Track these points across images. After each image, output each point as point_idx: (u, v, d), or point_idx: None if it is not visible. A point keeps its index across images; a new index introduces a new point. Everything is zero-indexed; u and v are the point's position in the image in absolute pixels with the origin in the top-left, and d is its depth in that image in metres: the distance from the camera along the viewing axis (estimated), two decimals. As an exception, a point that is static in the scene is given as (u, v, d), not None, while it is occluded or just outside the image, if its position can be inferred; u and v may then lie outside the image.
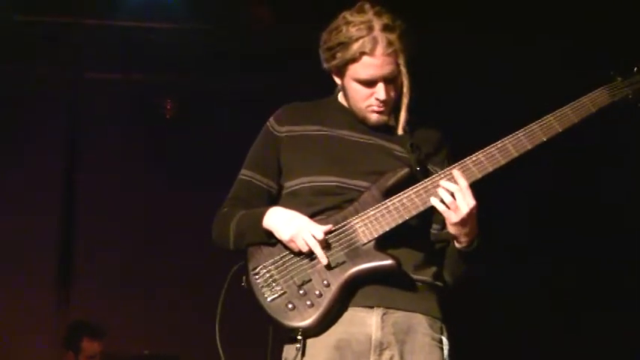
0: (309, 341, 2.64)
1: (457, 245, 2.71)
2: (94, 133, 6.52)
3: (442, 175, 2.68)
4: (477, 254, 2.73)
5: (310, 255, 2.67)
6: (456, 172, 2.65)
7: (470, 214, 2.62)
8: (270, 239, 2.73)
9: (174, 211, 6.39)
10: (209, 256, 5.69)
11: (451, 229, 2.67)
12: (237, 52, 6.00)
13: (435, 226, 2.80)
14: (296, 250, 2.68)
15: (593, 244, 6.08)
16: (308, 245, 2.64)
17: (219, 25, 5.99)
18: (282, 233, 2.69)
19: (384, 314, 2.67)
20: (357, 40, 2.69)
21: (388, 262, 2.64)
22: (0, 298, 6.29)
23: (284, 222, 2.69)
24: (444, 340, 2.77)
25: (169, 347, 6.23)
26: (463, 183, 2.63)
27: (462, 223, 2.64)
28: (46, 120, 6.47)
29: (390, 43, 2.68)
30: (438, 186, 2.66)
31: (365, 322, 2.66)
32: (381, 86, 2.73)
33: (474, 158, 2.69)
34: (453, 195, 2.62)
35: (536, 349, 6.21)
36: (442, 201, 2.63)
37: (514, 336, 6.19)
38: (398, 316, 2.69)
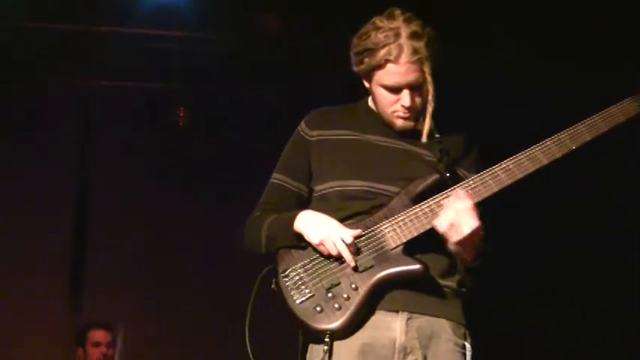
0: (336, 344, 2.67)
1: (459, 262, 2.76)
2: (106, 140, 6.52)
3: (471, 183, 2.71)
4: (478, 268, 2.77)
5: (339, 259, 2.70)
6: (460, 192, 2.67)
7: (471, 234, 2.63)
8: (300, 242, 2.76)
9: (187, 219, 6.38)
10: (223, 263, 5.75)
11: (452, 247, 2.69)
12: (249, 61, 5.99)
13: None
14: (325, 253, 2.71)
15: (595, 244, 6.05)
16: (337, 249, 2.68)
17: (232, 33, 6.00)
18: (311, 236, 2.72)
19: (408, 319, 2.70)
20: (383, 46, 2.71)
21: (416, 266, 2.67)
22: (12, 304, 6.28)
23: (314, 226, 2.73)
24: (467, 345, 2.79)
25: (184, 354, 6.23)
26: (467, 203, 2.64)
27: (463, 243, 2.65)
28: (58, 128, 6.47)
29: (415, 51, 2.70)
30: (467, 193, 2.68)
31: (390, 327, 2.70)
32: (406, 93, 2.75)
33: (503, 165, 2.73)
34: (456, 213, 2.64)
35: (536, 350, 6.19)
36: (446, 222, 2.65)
37: (513, 336, 6.16)
38: (422, 320, 2.72)
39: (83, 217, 6.56)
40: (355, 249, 2.69)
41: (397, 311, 2.70)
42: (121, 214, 6.42)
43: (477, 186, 2.72)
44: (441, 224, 2.65)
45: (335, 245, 2.68)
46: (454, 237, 2.64)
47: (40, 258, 6.32)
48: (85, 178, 6.58)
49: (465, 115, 5.89)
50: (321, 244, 2.70)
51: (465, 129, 2.92)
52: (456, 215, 2.63)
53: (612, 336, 6.11)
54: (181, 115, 6.44)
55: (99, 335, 5.83)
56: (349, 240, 2.68)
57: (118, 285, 6.32)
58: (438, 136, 2.79)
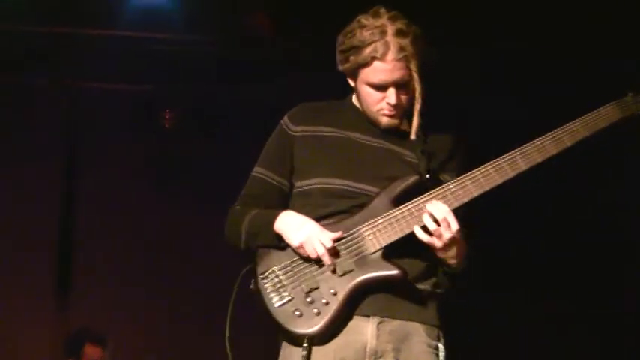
0: (313, 349, 2.66)
1: (445, 268, 2.76)
2: (93, 142, 6.51)
3: (451, 187, 2.71)
4: (465, 272, 2.78)
5: (319, 262, 2.69)
6: (430, 205, 2.67)
7: (453, 239, 2.65)
8: (280, 243, 2.75)
9: (174, 220, 6.36)
10: (210, 266, 5.74)
11: (437, 254, 2.71)
12: (237, 62, 5.97)
13: None
14: (305, 256, 2.70)
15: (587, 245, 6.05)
16: (317, 252, 2.67)
17: (219, 34, 5.99)
18: (291, 239, 2.71)
19: (379, 323, 2.70)
20: (369, 44, 2.70)
21: (395, 272, 2.67)
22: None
23: (294, 227, 2.72)
24: (440, 346, 2.79)
25: (169, 357, 6.21)
26: (443, 210, 2.65)
27: (446, 248, 2.67)
28: (45, 130, 6.47)
29: (401, 49, 2.68)
30: (446, 198, 2.69)
31: (361, 331, 2.70)
32: (392, 91, 2.73)
33: (483, 170, 2.73)
34: (437, 221, 2.65)
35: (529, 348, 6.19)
36: (426, 228, 2.66)
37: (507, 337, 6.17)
38: (394, 324, 2.72)
39: (70, 218, 6.55)
40: (335, 252, 2.68)
41: (369, 315, 2.70)
42: (109, 216, 6.41)
43: (456, 190, 2.71)
44: (423, 234, 2.66)
45: (315, 249, 2.67)
46: (437, 244, 2.66)
47: (27, 260, 6.31)
48: (72, 180, 6.58)
49: (465, 114, 5.93)
50: (301, 246, 2.69)
51: (451, 130, 2.91)
52: (440, 222, 2.64)
53: (605, 336, 6.08)
54: (167, 117, 6.42)
55: (96, 353, 5.79)
56: (329, 244, 2.67)
57: (106, 288, 6.31)
58: (420, 136, 2.77)
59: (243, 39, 5.96)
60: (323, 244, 2.66)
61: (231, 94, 6.23)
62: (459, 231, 2.67)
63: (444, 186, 2.72)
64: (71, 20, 5.89)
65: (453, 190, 2.71)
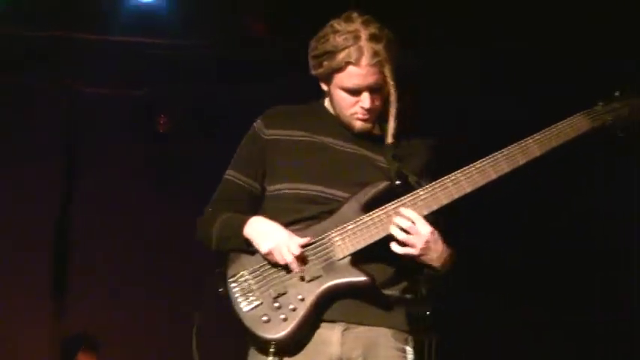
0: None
1: (430, 271, 2.77)
2: (92, 143, 6.51)
3: (421, 194, 2.72)
4: (452, 272, 2.80)
5: (287, 268, 2.72)
6: (402, 209, 2.69)
7: (427, 242, 2.67)
8: (249, 248, 2.78)
9: (174, 221, 6.35)
10: (210, 266, 5.72)
11: (418, 260, 2.73)
12: (236, 62, 5.98)
13: None
14: (273, 262, 2.73)
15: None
16: (285, 259, 2.69)
17: (218, 35, 6.00)
18: (260, 245, 2.74)
19: (344, 330, 2.73)
20: (343, 49, 2.73)
21: (363, 278, 2.70)
22: None
23: (263, 234, 2.75)
24: (408, 349, 2.82)
25: (169, 356, 6.19)
26: (413, 215, 2.68)
27: (425, 253, 2.69)
28: (42, 134, 6.47)
29: (375, 54, 2.71)
30: (416, 205, 2.71)
31: (325, 339, 2.73)
32: (366, 95, 2.76)
33: (452, 177, 2.74)
34: (406, 231, 2.67)
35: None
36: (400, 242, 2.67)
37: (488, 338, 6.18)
38: (360, 330, 2.75)
39: (69, 218, 6.54)
40: (303, 258, 2.71)
41: (334, 322, 2.72)
42: (109, 216, 6.41)
43: (426, 197, 2.73)
44: (400, 248, 2.68)
45: (283, 256, 2.69)
46: (414, 253, 2.68)
47: (23, 264, 6.31)
48: (69, 184, 6.57)
49: (465, 114, 5.92)
50: (270, 253, 2.72)
51: (425, 136, 2.93)
52: (408, 234, 2.67)
53: (580, 343, 6.08)
54: (162, 122, 6.43)
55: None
56: (297, 251, 2.69)
57: (103, 292, 6.32)
58: (394, 141, 2.80)
59: (242, 39, 5.97)
60: (291, 252, 2.68)
61: (230, 94, 6.24)
62: (434, 232, 2.69)
63: (413, 193, 2.73)
64: (70, 23, 5.92)
65: (423, 197, 2.73)
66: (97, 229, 6.40)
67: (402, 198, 2.72)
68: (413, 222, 2.67)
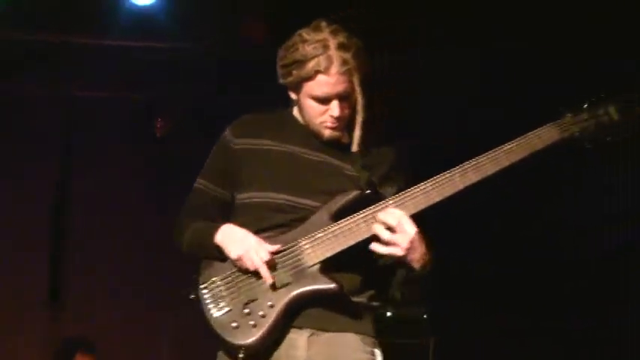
0: None
1: (410, 273, 2.77)
2: (89, 148, 6.57)
3: (391, 202, 2.73)
4: (430, 275, 2.80)
5: (258, 274, 2.75)
6: (382, 214, 2.70)
7: (412, 242, 2.69)
8: (221, 255, 2.82)
9: (171, 224, 6.35)
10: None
11: (400, 261, 2.73)
12: (228, 70, 5.98)
13: None
14: (243, 269, 2.76)
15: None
16: (254, 266, 2.73)
17: (211, 43, 6.03)
18: (231, 252, 2.78)
19: (310, 335, 2.77)
20: (312, 58, 2.76)
21: (332, 286, 2.73)
22: None
23: (233, 240, 2.78)
24: (377, 352, 2.84)
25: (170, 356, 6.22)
26: (399, 214, 2.69)
27: (409, 253, 2.70)
28: (41, 137, 6.53)
29: (344, 62, 2.75)
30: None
31: (292, 344, 2.76)
32: (335, 103, 2.79)
33: (422, 187, 2.76)
34: (391, 229, 2.68)
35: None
36: (383, 240, 2.69)
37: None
38: (326, 336, 2.78)
39: (63, 226, 6.60)
40: (273, 265, 2.74)
41: (302, 328, 2.76)
42: (101, 226, 6.47)
43: (397, 207, 2.74)
44: (382, 247, 2.70)
45: (253, 262, 2.73)
46: (398, 253, 2.69)
47: (20, 269, 6.38)
48: (65, 188, 6.62)
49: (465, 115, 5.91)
50: (240, 259, 2.75)
51: (392, 145, 2.95)
52: (395, 228, 2.68)
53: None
54: (159, 126, 6.43)
55: None
56: (267, 257, 2.72)
57: (99, 297, 6.38)
58: (362, 149, 2.84)
59: (241, 41, 5.98)
60: (260, 258, 2.72)
61: (230, 95, 6.24)
62: (418, 232, 2.69)
63: (381, 202, 2.75)
64: (68, 26, 5.96)
65: (393, 206, 2.73)
66: (96, 230, 6.42)
67: (371, 207, 2.74)
68: (398, 219, 2.68)
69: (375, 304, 2.86)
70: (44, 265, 6.54)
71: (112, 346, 6.12)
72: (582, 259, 5.92)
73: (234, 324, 2.74)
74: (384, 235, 2.69)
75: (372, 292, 2.85)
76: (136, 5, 5.86)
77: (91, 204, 6.51)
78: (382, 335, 5.60)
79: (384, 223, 2.69)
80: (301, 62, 2.77)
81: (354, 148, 2.83)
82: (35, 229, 6.48)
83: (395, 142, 2.96)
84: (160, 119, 6.47)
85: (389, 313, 5.81)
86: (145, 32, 6.02)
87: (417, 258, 2.73)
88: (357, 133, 2.83)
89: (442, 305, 6.04)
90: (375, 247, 2.70)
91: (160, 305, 6.34)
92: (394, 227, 2.68)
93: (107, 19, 5.90)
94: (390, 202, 2.74)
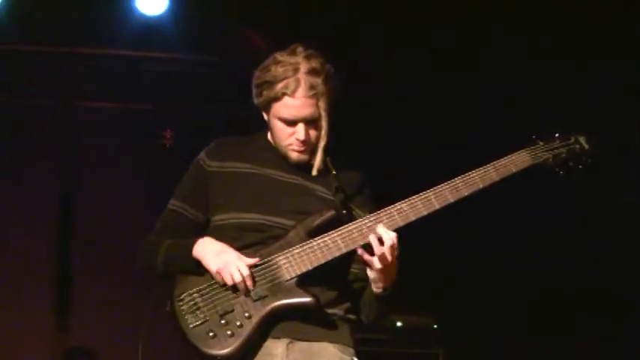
0: None
1: (375, 289, 2.86)
2: (91, 161, 6.59)
3: (367, 221, 2.81)
4: (391, 298, 2.88)
5: (235, 287, 2.80)
6: (380, 227, 2.78)
7: (392, 262, 2.78)
8: (198, 269, 2.86)
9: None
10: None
11: (371, 274, 2.83)
12: (234, 80, 5.99)
13: (355, 265, 2.95)
14: (221, 282, 2.81)
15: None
16: (233, 279, 2.77)
17: (215, 53, 6.07)
18: (210, 264, 2.82)
19: (289, 343, 2.81)
20: (281, 80, 2.84)
21: (308, 299, 2.79)
22: None
23: (213, 254, 2.83)
24: (355, 359, 2.90)
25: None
26: (392, 235, 2.77)
27: (384, 270, 2.78)
28: (43, 149, 6.56)
29: (312, 87, 2.83)
30: (362, 231, 2.80)
31: (271, 352, 2.81)
32: (301, 127, 2.87)
33: (397, 207, 2.83)
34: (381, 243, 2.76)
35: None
36: (368, 248, 2.77)
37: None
38: (305, 344, 2.83)
39: (68, 234, 6.60)
40: (251, 278, 2.79)
41: (279, 338, 2.81)
42: (106, 236, 6.44)
43: (371, 225, 2.80)
44: (365, 255, 2.77)
45: (232, 275, 2.77)
46: (376, 265, 2.76)
47: (26, 279, 6.39)
48: (70, 199, 6.62)
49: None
50: (219, 272, 2.80)
51: (358, 167, 3.03)
52: (386, 245, 2.75)
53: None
54: (168, 137, 6.44)
55: None
56: (246, 271, 2.77)
57: (105, 307, 6.35)
58: (334, 172, 2.91)
59: (247, 54, 5.99)
60: (240, 271, 2.76)
61: (235, 106, 6.26)
62: (398, 256, 2.78)
63: (358, 221, 2.82)
64: (69, 39, 6.02)
65: (368, 224, 2.80)
66: (101, 240, 6.42)
67: (347, 225, 2.81)
68: (393, 241, 2.77)
69: (351, 316, 2.92)
70: (49, 272, 6.55)
71: (117, 353, 6.11)
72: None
73: (210, 333, 2.76)
74: (376, 247, 2.75)
75: (347, 305, 2.91)
76: (145, 16, 5.89)
77: (95, 214, 6.51)
78: (391, 344, 5.62)
79: (379, 238, 2.76)
80: (271, 83, 2.85)
81: (313, 172, 2.90)
82: (39, 241, 6.49)
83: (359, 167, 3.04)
84: (168, 130, 6.48)
85: (399, 323, 5.81)
86: (152, 43, 6.04)
87: (387, 277, 2.81)
88: (318, 158, 2.90)
89: (452, 315, 6.03)
90: (362, 252, 2.77)
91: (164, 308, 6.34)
92: (388, 246, 2.75)
93: (113, 29, 5.93)
94: (366, 221, 2.81)
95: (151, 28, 5.94)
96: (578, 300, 6.04)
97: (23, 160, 6.47)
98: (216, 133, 6.32)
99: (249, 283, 2.77)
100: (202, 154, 3.01)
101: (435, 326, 6.01)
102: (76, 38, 6.06)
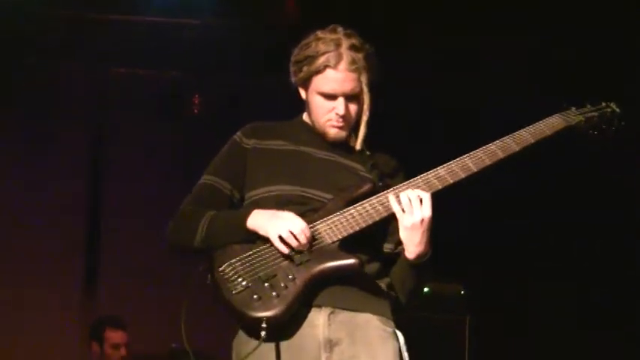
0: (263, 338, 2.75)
1: (406, 255, 2.87)
2: (121, 127, 6.67)
3: (404, 187, 2.89)
4: (424, 271, 2.90)
5: (276, 253, 2.82)
6: (419, 183, 2.87)
7: (422, 222, 2.81)
8: (247, 238, 2.86)
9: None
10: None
11: (402, 234, 2.85)
12: (264, 48, 6.02)
13: (387, 245, 2.99)
14: (280, 247, 2.81)
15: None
16: (297, 242, 2.78)
17: (247, 21, 6.11)
18: (269, 230, 2.81)
19: (330, 313, 2.83)
20: (323, 54, 2.90)
21: (352, 261, 2.81)
22: (27, 298, 6.47)
23: (274, 219, 2.82)
24: (398, 332, 2.94)
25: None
26: (424, 194, 2.84)
27: (414, 228, 2.82)
28: (74, 116, 6.61)
29: (354, 61, 2.90)
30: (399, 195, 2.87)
31: (312, 322, 2.82)
32: (341, 101, 2.93)
33: (434, 172, 2.92)
34: (411, 201, 2.83)
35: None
36: (400, 203, 2.84)
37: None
38: (346, 315, 2.85)
39: (97, 209, 6.73)
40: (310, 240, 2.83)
41: (321, 306, 2.82)
42: (135, 202, 6.55)
43: (414, 187, 2.86)
44: (397, 204, 2.83)
45: (298, 237, 2.78)
46: (406, 220, 2.81)
47: (54, 251, 6.50)
48: (99, 166, 6.75)
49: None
50: (280, 237, 2.79)
51: (392, 153, 3.10)
52: (413, 201, 2.81)
53: None
54: (196, 102, 6.48)
55: (117, 337, 5.93)
56: (309, 232, 2.79)
57: (133, 278, 6.46)
58: (368, 153, 2.98)
59: (271, 25, 6.02)
60: (304, 234, 2.78)
61: (257, 79, 6.28)
62: (431, 220, 2.83)
63: (394, 187, 2.89)
64: (100, 6, 6.11)
65: (405, 190, 2.87)
66: (130, 208, 6.50)
67: (387, 190, 2.87)
68: (421, 196, 2.82)
69: (392, 293, 2.96)
70: (81, 245, 6.64)
71: (145, 324, 6.25)
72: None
73: (255, 296, 2.75)
74: (405, 200, 2.80)
75: (388, 279, 2.96)
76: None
77: (125, 182, 6.58)
78: (419, 310, 5.68)
79: (408, 195, 2.82)
80: (312, 57, 2.90)
81: (358, 146, 2.97)
82: (71, 206, 6.57)
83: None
84: (197, 96, 6.52)
85: (426, 289, 5.86)
86: (182, 10, 6.07)
87: (417, 242, 2.83)
88: (362, 132, 2.96)
89: (480, 282, 6.08)
90: (392, 200, 2.83)
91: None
92: (412, 199, 2.81)
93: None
94: (406, 183, 2.89)
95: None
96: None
97: (55, 125, 6.55)
98: (246, 101, 6.45)
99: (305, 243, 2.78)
100: (239, 133, 3.04)
101: (463, 292, 6.06)
102: (105, 4, 6.11)
